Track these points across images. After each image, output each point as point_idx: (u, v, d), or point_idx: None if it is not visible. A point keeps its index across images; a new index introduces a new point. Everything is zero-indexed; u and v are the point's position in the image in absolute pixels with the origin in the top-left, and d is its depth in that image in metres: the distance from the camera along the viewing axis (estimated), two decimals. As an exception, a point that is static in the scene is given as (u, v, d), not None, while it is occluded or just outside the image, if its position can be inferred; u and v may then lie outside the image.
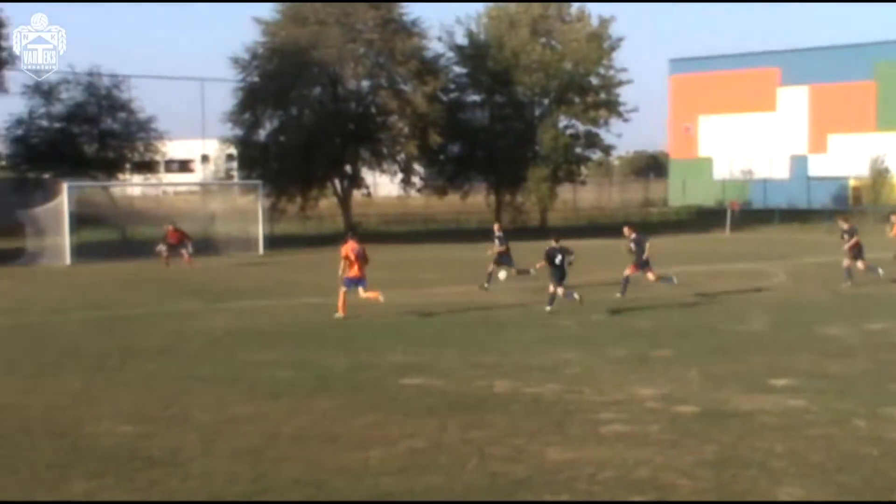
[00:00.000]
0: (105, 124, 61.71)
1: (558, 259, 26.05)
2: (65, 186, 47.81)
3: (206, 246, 49.44)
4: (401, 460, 12.07)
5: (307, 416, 14.38)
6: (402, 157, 67.04)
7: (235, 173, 72.26)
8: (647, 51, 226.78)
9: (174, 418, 14.33)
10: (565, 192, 78.79)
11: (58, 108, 61.10)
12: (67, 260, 44.44)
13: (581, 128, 71.41)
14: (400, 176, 69.46)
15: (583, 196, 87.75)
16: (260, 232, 51.27)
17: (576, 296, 25.86)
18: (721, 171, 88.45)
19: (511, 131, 69.61)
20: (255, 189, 54.78)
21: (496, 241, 32.01)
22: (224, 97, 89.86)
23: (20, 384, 16.90)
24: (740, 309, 26.57)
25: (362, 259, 25.52)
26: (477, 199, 74.15)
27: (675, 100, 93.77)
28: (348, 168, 66.80)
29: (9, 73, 53.90)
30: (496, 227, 33.43)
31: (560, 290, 25.86)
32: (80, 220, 49.63)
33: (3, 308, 28.55)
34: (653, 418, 14.16)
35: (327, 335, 22.42)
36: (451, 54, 70.11)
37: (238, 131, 65.76)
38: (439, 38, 69.80)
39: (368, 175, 72.54)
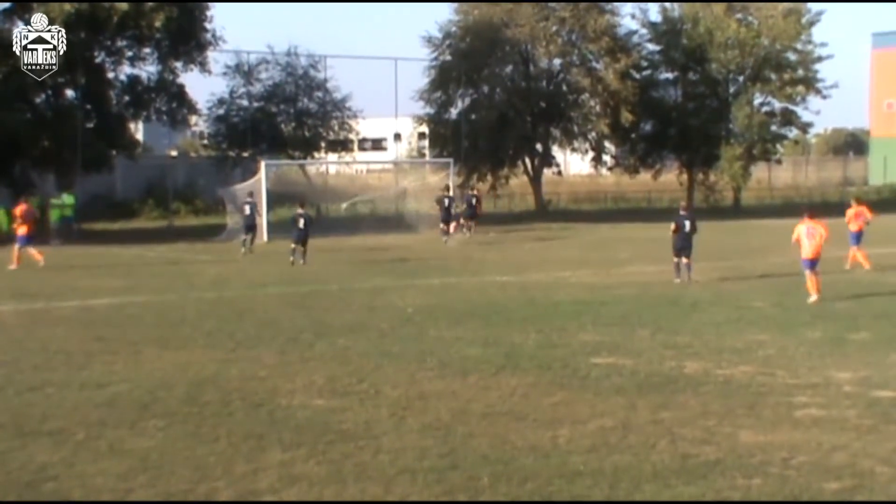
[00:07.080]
0: (302, 104, 62.99)
1: (301, 223, 34.29)
2: (262, 165, 49.10)
3: (397, 223, 50.16)
4: (589, 439, 12.03)
5: (496, 394, 14.45)
6: (593, 135, 66.80)
7: (427, 151, 73.03)
8: (848, 23, 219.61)
9: (366, 393, 14.56)
10: (760, 170, 77.13)
11: (257, 88, 62.69)
12: (265, 236, 45.52)
13: (777, 105, 69.66)
14: (591, 154, 69.21)
15: (778, 175, 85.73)
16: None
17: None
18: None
19: (704, 109, 68.50)
20: (446, 167, 55.19)
21: None
22: (417, 76, 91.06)
23: (220, 356, 17.42)
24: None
25: (31, 219, 32.45)
26: (669, 178, 73.27)
27: (877, 75, 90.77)
28: (539, 146, 66.85)
29: (211, 55, 55.48)
30: None
31: (294, 247, 34.09)
32: (277, 197, 50.88)
33: (204, 282, 29.49)
34: (850, 403, 13.76)
35: (516, 313, 22.45)
36: (643, 31, 69.33)
37: (430, 110, 66.51)
38: (632, 16, 69.28)
39: (559, 153, 72.47)
